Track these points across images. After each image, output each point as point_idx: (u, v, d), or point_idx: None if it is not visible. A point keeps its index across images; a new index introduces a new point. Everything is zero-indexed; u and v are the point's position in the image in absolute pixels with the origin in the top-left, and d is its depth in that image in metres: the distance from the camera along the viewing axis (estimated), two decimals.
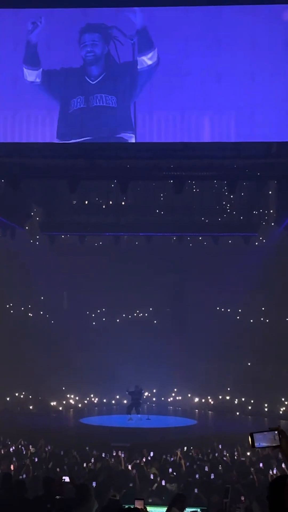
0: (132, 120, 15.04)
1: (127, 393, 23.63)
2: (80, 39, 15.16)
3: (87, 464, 13.80)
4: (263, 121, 14.94)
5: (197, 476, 12.59)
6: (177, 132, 15.27)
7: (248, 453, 15.56)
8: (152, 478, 12.28)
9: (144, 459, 14.64)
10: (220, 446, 16.59)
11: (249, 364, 27.75)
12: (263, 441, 3.93)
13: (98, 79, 15.15)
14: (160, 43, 14.94)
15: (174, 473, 12.94)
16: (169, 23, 14.86)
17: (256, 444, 3.94)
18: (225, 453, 15.37)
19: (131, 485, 11.70)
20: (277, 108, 14.84)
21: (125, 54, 15.06)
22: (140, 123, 15.14)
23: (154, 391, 27.62)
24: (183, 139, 15.50)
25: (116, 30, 15.02)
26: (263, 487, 10.98)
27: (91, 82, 15.15)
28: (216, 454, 15.25)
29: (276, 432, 3.87)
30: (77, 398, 27.38)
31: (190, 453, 15.65)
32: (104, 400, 27.45)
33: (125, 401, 26.71)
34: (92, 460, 14.37)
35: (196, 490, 11.17)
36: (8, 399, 26.29)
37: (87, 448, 16.17)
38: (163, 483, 11.90)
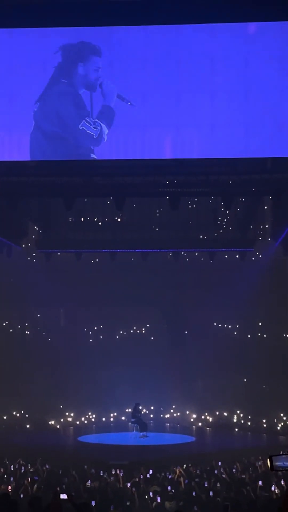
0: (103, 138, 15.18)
1: (132, 421, 23.42)
2: (88, 59, 15.21)
3: (85, 483, 13.71)
4: (257, 137, 15.03)
5: (194, 493, 12.51)
6: (170, 148, 15.35)
7: (250, 469, 15.49)
8: (151, 496, 12.21)
9: (142, 477, 14.56)
10: (219, 463, 16.49)
11: (246, 380, 27.64)
12: (282, 463, 3.94)
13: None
14: (152, 61, 15.05)
15: (173, 491, 12.87)
16: (158, 42, 14.99)
17: (275, 467, 3.95)
18: (223, 471, 15.25)
19: (128, 503, 11.62)
20: (271, 123, 14.94)
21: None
22: (129, 141, 15.26)
23: (152, 408, 27.49)
24: (176, 156, 15.61)
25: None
26: (263, 504, 10.92)
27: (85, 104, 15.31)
28: (216, 471, 15.16)
29: None
30: (75, 416, 27.23)
31: (189, 470, 15.55)
32: (103, 419, 27.30)
33: (123, 418, 26.58)
34: (90, 479, 14.27)
35: (195, 508, 11.10)
36: (5, 417, 26.14)
37: (85, 466, 16.06)
38: (159, 499, 11.83)
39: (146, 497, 12.52)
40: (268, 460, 3.93)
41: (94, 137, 15.11)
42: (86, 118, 15.06)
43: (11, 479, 14.18)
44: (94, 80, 15.17)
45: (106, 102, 15.12)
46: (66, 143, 15.32)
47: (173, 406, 27.68)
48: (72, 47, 15.10)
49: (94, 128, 15.05)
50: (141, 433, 22.53)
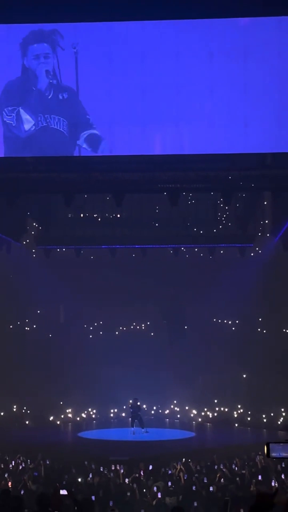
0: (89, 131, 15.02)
1: (130, 410, 23.44)
2: (29, 48, 15.02)
3: (85, 479, 13.73)
4: (257, 132, 15.01)
5: (194, 487, 12.54)
6: (169, 144, 15.32)
7: (248, 463, 15.50)
8: (155, 491, 12.22)
9: (142, 473, 14.57)
10: (220, 459, 16.49)
11: (246, 375, 27.66)
12: (279, 451, 3.94)
13: (51, 94, 15.09)
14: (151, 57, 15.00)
15: (173, 486, 12.89)
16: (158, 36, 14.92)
17: (272, 454, 3.95)
18: (223, 466, 15.26)
19: (128, 494, 11.65)
20: (270, 119, 14.91)
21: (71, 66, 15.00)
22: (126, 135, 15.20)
23: (152, 403, 27.50)
24: (175, 152, 15.57)
25: (59, 38, 14.96)
26: None
27: (45, 94, 15.10)
28: (216, 467, 15.18)
29: None
30: (75, 412, 27.25)
31: (189, 466, 15.57)
32: (101, 416, 27.28)
33: (123, 414, 26.59)
34: (91, 475, 14.29)
35: (195, 503, 11.12)
36: (1, 413, 26.17)
37: (85, 462, 16.08)
38: (159, 495, 11.85)
39: (144, 490, 12.54)
40: (265, 447, 3.93)
41: (13, 124, 15.02)
42: (4, 109, 15.00)
43: (6, 475, 14.18)
44: (36, 67, 15.02)
45: (37, 86, 15.03)
46: (8, 139, 15.27)
47: (174, 401, 27.69)
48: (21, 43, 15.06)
49: (8, 116, 14.96)
50: (134, 429, 22.51)
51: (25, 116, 14.94)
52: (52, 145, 15.22)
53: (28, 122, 14.96)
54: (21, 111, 14.95)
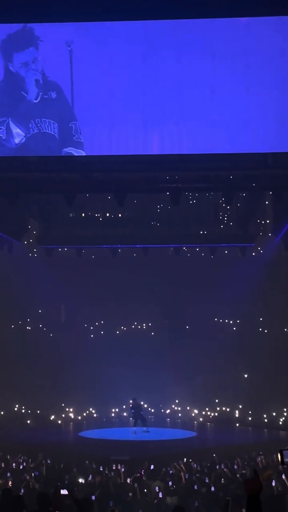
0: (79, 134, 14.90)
1: (132, 410, 23.46)
2: (14, 56, 14.77)
3: (86, 478, 13.73)
4: (258, 132, 15.00)
5: (195, 487, 12.53)
6: (170, 143, 15.31)
7: (248, 463, 15.50)
8: (156, 490, 12.22)
9: (143, 472, 14.56)
10: (221, 458, 16.49)
11: (248, 375, 27.65)
12: None
13: (41, 96, 14.89)
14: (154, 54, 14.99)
15: (174, 486, 12.89)
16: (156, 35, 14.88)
17: (286, 461, 3.97)
18: (224, 466, 15.25)
19: (130, 494, 11.65)
20: (272, 118, 14.90)
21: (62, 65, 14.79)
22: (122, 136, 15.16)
23: (153, 403, 27.49)
24: (176, 151, 15.57)
25: (50, 37, 14.70)
26: (264, 499, 10.92)
27: (33, 101, 14.88)
28: (217, 467, 15.17)
29: None
30: (76, 411, 27.26)
31: (191, 465, 15.57)
32: (105, 415, 27.29)
33: (124, 414, 26.60)
34: (91, 475, 14.28)
35: (196, 503, 11.12)
36: (2, 413, 26.17)
37: (86, 462, 16.08)
38: (160, 495, 11.84)
39: (146, 490, 12.53)
40: (278, 454, 3.95)
41: (3, 138, 14.91)
42: None
43: (8, 474, 14.18)
44: (25, 75, 14.83)
45: (28, 94, 14.83)
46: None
47: (176, 401, 27.68)
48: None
49: None
50: (135, 428, 22.51)
51: (15, 130, 14.74)
52: (44, 149, 15.09)
53: (18, 136, 14.79)
54: (11, 124, 14.79)
